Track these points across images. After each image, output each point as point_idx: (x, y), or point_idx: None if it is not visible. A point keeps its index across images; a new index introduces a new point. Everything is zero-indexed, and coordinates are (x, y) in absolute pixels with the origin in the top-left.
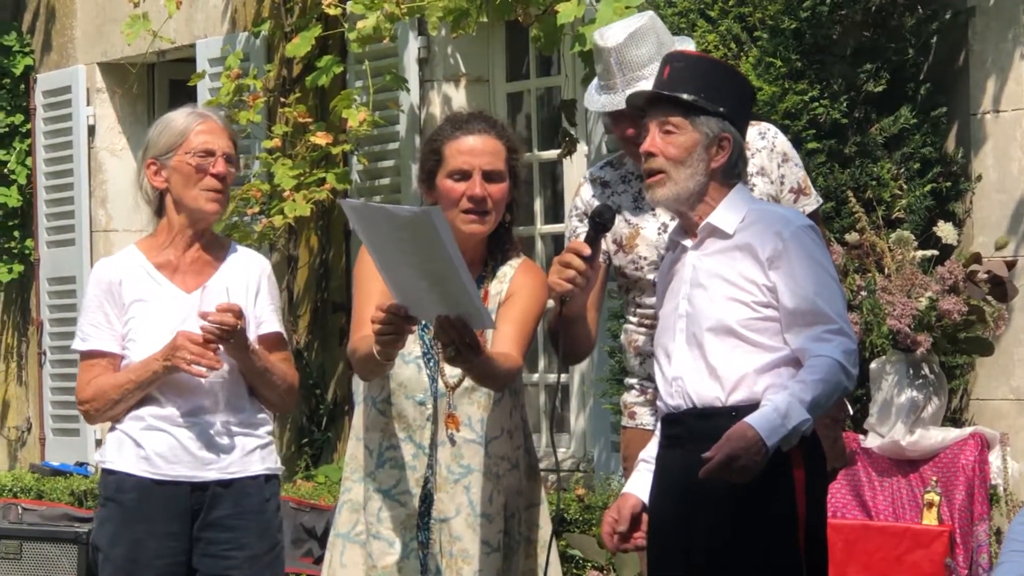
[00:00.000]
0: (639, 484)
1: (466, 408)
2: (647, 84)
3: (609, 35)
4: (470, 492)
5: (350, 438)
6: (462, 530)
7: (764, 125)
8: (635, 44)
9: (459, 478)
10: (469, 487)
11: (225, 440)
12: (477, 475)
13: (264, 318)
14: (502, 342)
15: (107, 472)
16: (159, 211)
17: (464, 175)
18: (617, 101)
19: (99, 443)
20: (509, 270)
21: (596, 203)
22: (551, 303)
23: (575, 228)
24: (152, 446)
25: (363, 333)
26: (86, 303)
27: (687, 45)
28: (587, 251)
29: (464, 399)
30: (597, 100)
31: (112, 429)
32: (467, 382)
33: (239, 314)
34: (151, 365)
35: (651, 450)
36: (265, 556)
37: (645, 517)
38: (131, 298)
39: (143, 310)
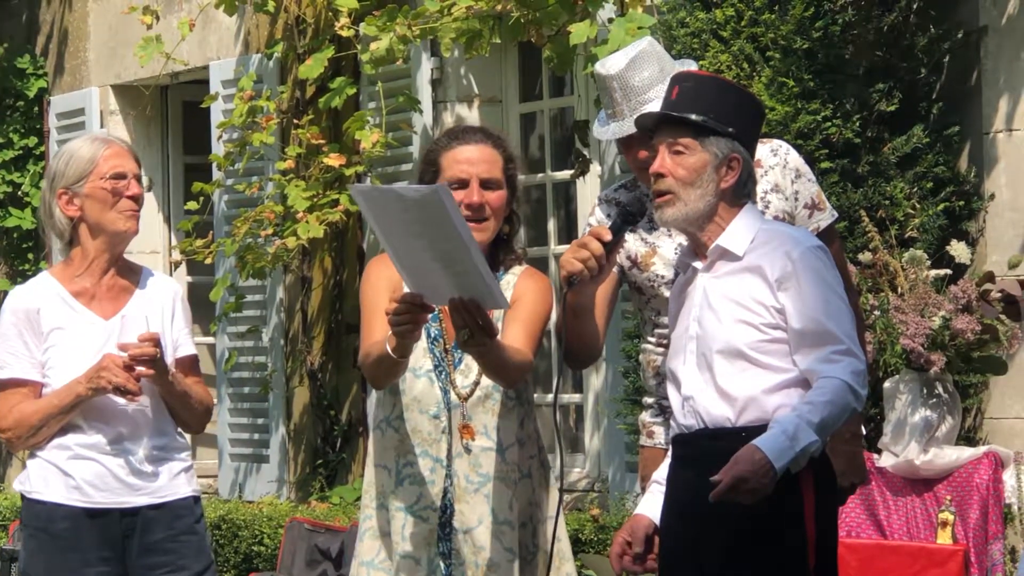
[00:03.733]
0: (651, 505)
1: (481, 416)
2: (653, 107)
3: (610, 63)
4: (490, 500)
5: (367, 465)
6: (485, 539)
7: (776, 142)
8: (637, 69)
9: (478, 487)
10: (489, 495)
11: (153, 465)
12: (496, 483)
13: (181, 341)
14: (512, 341)
15: (35, 502)
16: (70, 241)
17: (462, 183)
18: (626, 127)
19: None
20: (512, 278)
21: (608, 224)
22: (555, 319)
23: None
24: (81, 475)
25: (374, 340)
26: (2, 331)
27: (689, 67)
28: (608, 236)
29: (478, 407)
30: (606, 130)
31: (32, 456)
32: (480, 391)
33: (158, 343)
34: (75, 388)
35: (663, 471)
36: (203, 575)
37: (657, 539)
38: (49, 326)
39: (62, 338)
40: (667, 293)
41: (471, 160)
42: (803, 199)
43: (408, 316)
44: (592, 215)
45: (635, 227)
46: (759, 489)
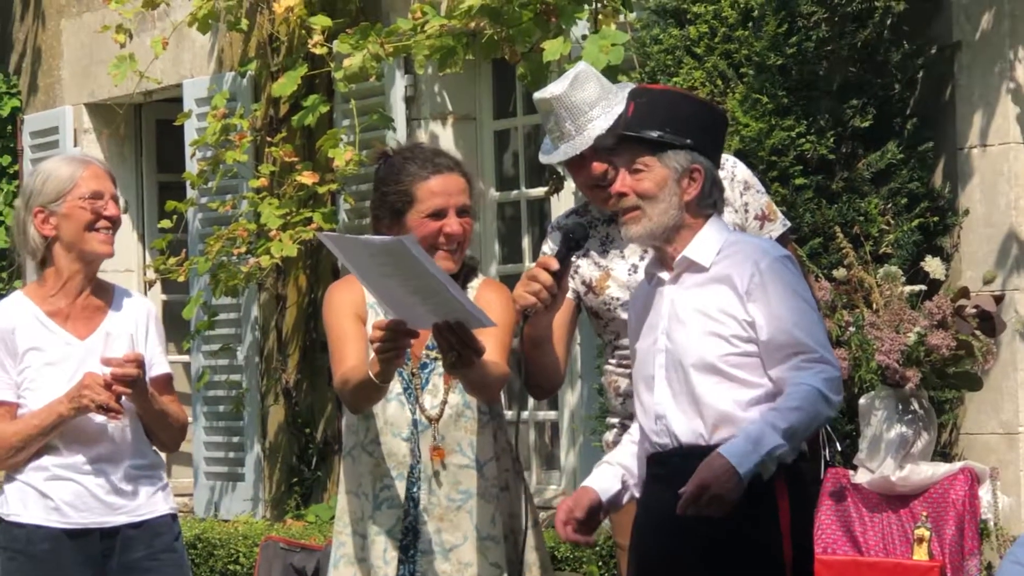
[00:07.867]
0: (598, 480)
1: (454, 435)
2: (600, 122)
3: (551, 88)
4: (473, 517)
5: (339, 493)
6: (471, 556)
7: (723, 156)
8: (578, 88)
9: (460, 504)
10: (472, 512)
11: (131, 484)
12: (477, 499)
13: (155, 360)
14: (486, 355)
15: (13, 525)
16: (43, 261)
17: (439, 214)
18: (577, 146)
19: None
20: (471, 291)
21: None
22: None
23: None
24: (59, 495)
25: (350, 365)
26: None
27: (628, 89)
28: (555, 266)
29: (451, 426)
30: (555, 154)
31: (9, 480)
32: (449, 409)
33: (141, 363)
34: (56, 408)
35: (615, 455)
36: None
37: (601, 515)
38: (25, 346)
39: (38, 358)
40: (623, 315)
41: (448, 191)
42: (753, 210)
43: (392, 343)
44: (546, 243)
45: (587, 252)
46: (725, 495)
